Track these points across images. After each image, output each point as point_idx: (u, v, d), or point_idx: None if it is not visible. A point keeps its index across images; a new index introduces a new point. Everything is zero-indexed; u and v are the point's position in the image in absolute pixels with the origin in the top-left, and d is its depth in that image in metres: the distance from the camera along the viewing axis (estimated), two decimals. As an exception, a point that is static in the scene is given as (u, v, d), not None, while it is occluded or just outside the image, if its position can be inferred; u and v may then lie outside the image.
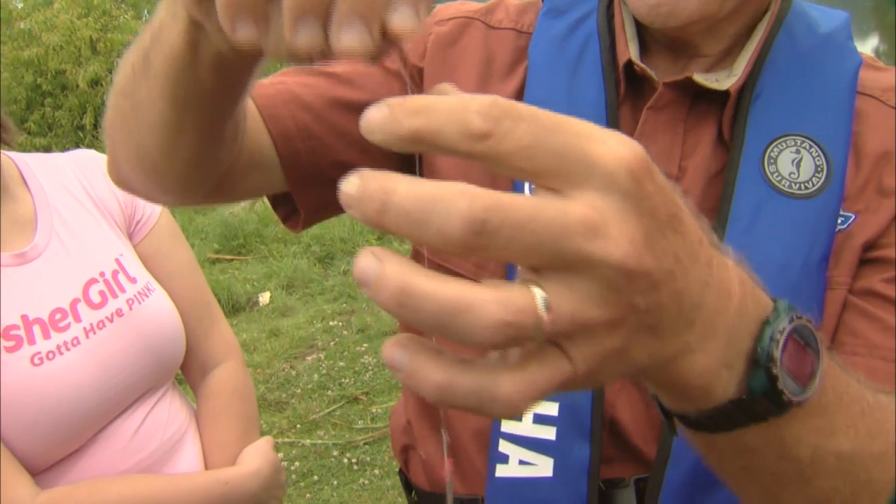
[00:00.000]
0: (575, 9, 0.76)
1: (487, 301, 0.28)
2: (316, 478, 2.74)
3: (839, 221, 0.66)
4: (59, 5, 7.89)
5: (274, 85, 0.74)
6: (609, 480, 0.70)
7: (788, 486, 0.45)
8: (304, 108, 0.73)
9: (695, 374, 0.36)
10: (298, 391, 3.33)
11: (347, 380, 3.40)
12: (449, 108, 0.29)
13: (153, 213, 1.15)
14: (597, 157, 0.30)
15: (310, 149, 0.73)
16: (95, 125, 7.71)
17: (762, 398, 0.37)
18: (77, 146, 7.69)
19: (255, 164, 0.72)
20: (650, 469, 0.68)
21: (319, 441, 2.95)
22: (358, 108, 0.68)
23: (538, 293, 0.29)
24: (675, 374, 0.36)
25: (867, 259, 0.66)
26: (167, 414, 1.07)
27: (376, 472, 2.75)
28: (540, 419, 0.69)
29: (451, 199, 0.28)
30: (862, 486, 0.45)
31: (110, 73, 7.81)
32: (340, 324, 4.01)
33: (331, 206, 0.78)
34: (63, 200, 1.07)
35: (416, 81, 0.78)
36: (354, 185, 0.29)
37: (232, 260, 4.92)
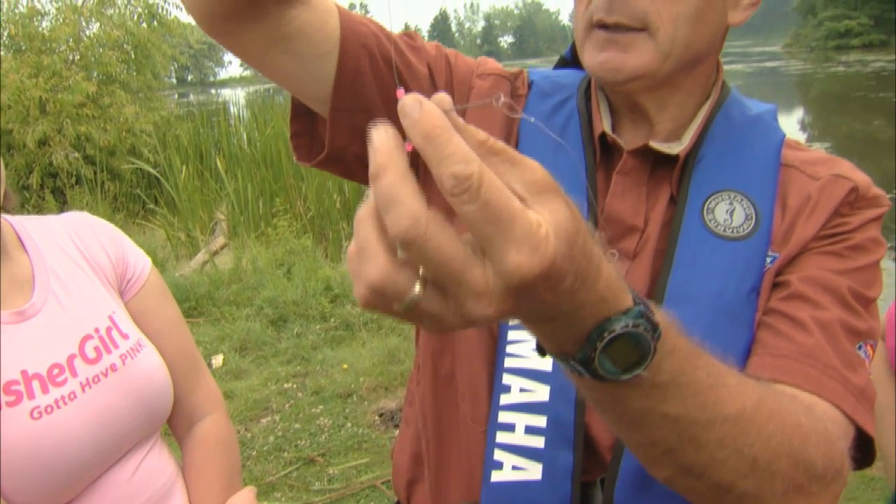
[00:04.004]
0: (559, 92, 0.93)
1: (380, 264, 0.41)
2: (273, 540, 2.73)
3: (768, 261, 0.80)
4: (8, 65, 7.87)
5: (362, 21, 0.85)
6: (583, 483, 0.80)
7: (628, 428, 0.60)
8: (370, 56, 0.84)
9: (545, 336, 0.50)
10: (254, 453, 3.31)
11: (303, 441, 3.40)
12: (447, 154, 0.39)
13: (143, 272, 1.21)
14: (505, 259, 0.40)
15: (358, 86, 0.84)
16: (42, 185, 7.63)
17: (583, 368, 0.50)
18: (22, 206, 7.59)
19: (302, 54, 0.81)
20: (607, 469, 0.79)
21: (277, 503, 2.93)
22: (400, 82, 0.86)
23: (417, 288, 0.41)
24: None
25: (774, 284, 0.81)
26: (157, 464, 1.11)
27: (334, 533, 2.75)
28: (530, 430, 0.80)
29: (404, 215, 0.39)
30: (686, 441, 0.59)
31: (59, 133, 7.77)
32: (295, 386, 4.00)
33: (348, 154, 0.88)
34: (58, 261, 1.12)
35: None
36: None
37: (183, 322, 4.88)
